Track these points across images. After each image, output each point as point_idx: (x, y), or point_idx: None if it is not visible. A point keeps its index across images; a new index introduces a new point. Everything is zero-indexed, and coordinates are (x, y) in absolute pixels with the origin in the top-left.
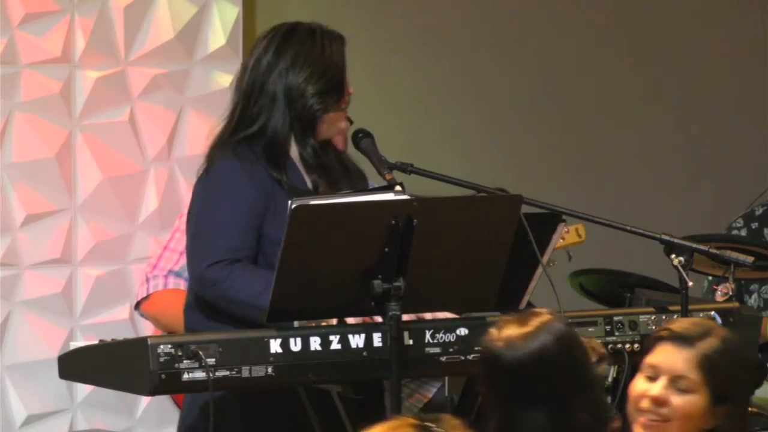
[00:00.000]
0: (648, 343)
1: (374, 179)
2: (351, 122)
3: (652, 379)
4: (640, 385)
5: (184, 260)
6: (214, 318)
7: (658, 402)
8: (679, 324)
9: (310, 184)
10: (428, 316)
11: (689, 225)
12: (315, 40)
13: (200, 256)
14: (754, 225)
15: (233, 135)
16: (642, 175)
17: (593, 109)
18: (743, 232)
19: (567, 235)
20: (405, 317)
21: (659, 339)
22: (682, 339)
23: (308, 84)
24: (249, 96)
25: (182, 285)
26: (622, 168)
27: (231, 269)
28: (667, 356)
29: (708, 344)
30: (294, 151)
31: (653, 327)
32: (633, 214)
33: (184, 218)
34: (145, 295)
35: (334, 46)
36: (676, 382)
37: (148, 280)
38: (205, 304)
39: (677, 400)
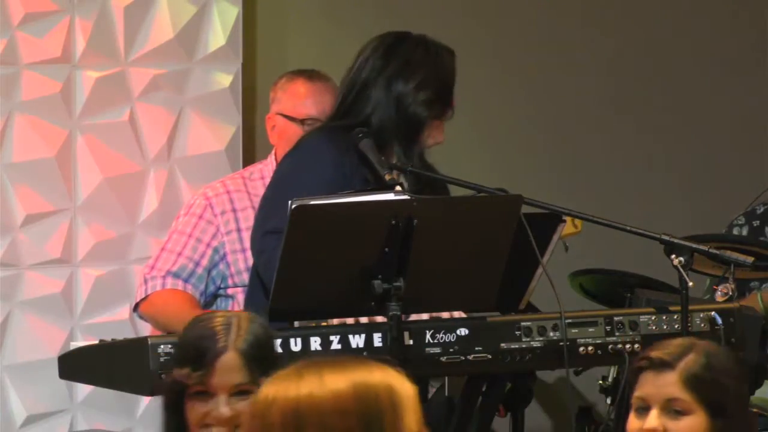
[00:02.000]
0: (631, 377)
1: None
2: None
3: (645, 411)
4: (633, 422)
5: (182, 261)
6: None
7: None
8: (657, 350)
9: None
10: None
11: (689, 225)
12: (428, 48)
13: (260, 222)
14: (756, 223)
15: (332, 122)
16: (642, 175)
17: (593, 108)
18: (744, 230)
19: (564, 226)
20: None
21: (640, 370)
22: (662, 364)
23: (418, 91)
24: (350, 92)
25: (180, 285)
26: (622, 168)
27: (279, 244)
28: (652, 385)
29: (690, 362)
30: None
31: (653, 327)
32: (633, 214)
33: (182, 219)
34: (143, 296)
35: (446, 56)
36: (668, 408)
37: (146, 281)
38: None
39: (675, 425)
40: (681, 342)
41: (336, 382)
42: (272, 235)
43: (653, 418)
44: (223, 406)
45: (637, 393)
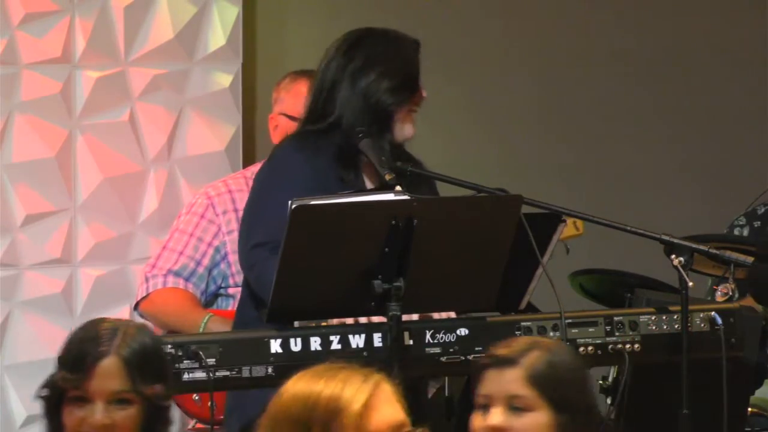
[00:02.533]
0: (474, 375)
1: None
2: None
3: (489, 409)
4: (477, 420)
5: (183, 260)
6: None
7: (499, 431)
8: (501, 347)
9: (370, 186)
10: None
11: (689, 225)
12: (388, 40)
13: (245, 238)
14: (757, 224)
15: (302, 128)
16: (642, 175)
17: (593, 109)
18: (745, 231)
19: (564, 227)
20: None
21: (483, 367)
22: (505, 361)
23: (381, 80)
24: (320, 94)
25: (181, 284)
26: (623, 168)
27: (269, 255)
28: (494, 382)
29: (532, 358)
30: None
31: (653, 327)
32: (633, 214)
33: (183, 218)
34: (144, 294)
35: (407, 46)
36: (511, 405)
37: (147, 279)
38: (257, 300)
39: (518, 422)
40: (525, 340)
41: (293, 387)
42: (260, 248)
43: (496, 414)
44: (99, 413)
45: (481, 390)
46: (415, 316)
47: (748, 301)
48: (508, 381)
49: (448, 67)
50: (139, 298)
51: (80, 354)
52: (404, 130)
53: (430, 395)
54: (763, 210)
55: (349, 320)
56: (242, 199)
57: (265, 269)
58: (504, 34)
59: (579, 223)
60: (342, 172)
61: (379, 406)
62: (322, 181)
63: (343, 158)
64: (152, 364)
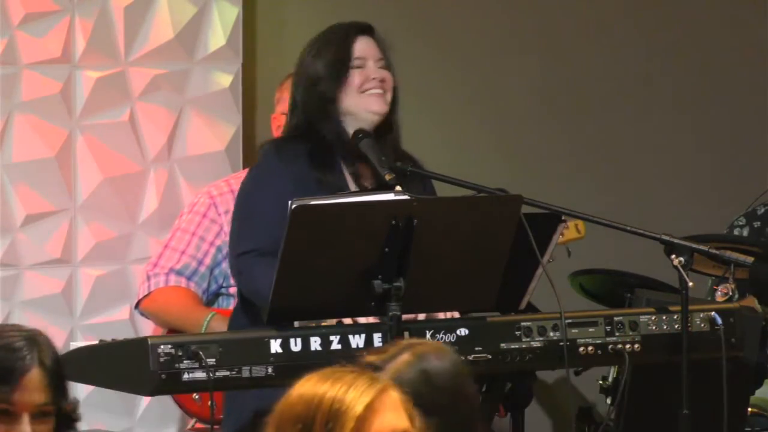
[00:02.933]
0: None
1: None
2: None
3: None
4: None
5: (185, 259)
6: (259, 323)
7: None
8: (373, 352)
9: (353, 183)
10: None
11: (689, 225)
12: (326, 33)
13: (233, 246)
14: (757, 224)
15: (283, 134)
16: (642, 175)
17: (593, 109)
18: (745, 231)
19: (566, 230)
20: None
21: None
22: (371, 367)
23: (317, 73)
24: (291, 99)
25: (183, 283)
26: (623, 168)
27: (257, 261)
28: None
29: (399, 364)
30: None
31: (653, 327)
32: (633, 214)
33: (186, 217)
34: (146, 293)
35: (341, 33)
36: None
37: (149, 278)
38: (251, 310)
39: None
40: (401, 344)
41: (300, 388)
42: (246, 256)
43: None
44: (26, 426)
45: None
46: (421, 316)
47: (749, 301)
48: None
49: (448, 66)
50: (140, 297)
51: (4, 366)
52: (365, 110)
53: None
54: (762, 210)
55: (347, 320)
56: None
57: (252, 275)
58: (509, 29)
59: (581, 226)
60: (318, 173)
61: (382, 411)
62: (302, 185)
63: (316, 160)
64: (64, 375)
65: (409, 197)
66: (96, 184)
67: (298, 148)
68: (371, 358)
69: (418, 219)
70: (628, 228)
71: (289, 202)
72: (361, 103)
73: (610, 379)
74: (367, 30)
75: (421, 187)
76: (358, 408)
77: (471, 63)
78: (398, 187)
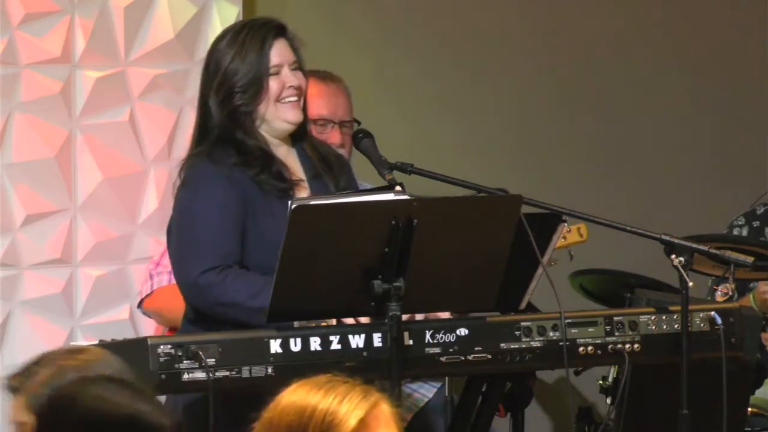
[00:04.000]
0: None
1: (375, 180)
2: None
3: None
4: None
5: None
6: (213, 330)
7: None
8: (16, 371)
9: (288, 177)
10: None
11: (689, 225)
12: (235, 39)
13: (190, 264)
14: (756, 224)
15: (201, 142)
16: (642, 176)
17: (593, 109)
18: (744, 231)
19: (569, 234)
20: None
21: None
22: (11, 388)
23: (233, 87)
24: (199, 111)
25: None
26: (623, 168)
27: (225, 274)
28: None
29: (37, 381)
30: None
31: (653, 327)
32: (633, 214)
33: None
34: (148, 291)
35: (252, 39)
36: None
37: (151, 276)
38: (203, 319)
39: None
40: (48, 357)
41: (290, 396)
42: (210, 272)
43: None
44: None
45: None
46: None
47: (745, 300)
48: (15, 408)
49: (448, 66)
50: (143, 296)
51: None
52: (281, 119)
53: (431, 396)
54: (762, 210)
55: (349, 320)
56: None
57: (225, 288)
58: (512, 30)
59: (583, 229)
60: (255, 176)
61: (375, 426)
62: (241, 189)
63: (248, 160)
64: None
65: (409, 197)
66: (96, 184)
67: (227, 151)
68: (12, 378)
69: (418, 219)
70: (628, 228)
71: (289, 202)
72: (278, 113)
73: (610, 379)
74: (281, 32)
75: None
76: (352, 422)
77: (471, 62)
78: (398, 187)
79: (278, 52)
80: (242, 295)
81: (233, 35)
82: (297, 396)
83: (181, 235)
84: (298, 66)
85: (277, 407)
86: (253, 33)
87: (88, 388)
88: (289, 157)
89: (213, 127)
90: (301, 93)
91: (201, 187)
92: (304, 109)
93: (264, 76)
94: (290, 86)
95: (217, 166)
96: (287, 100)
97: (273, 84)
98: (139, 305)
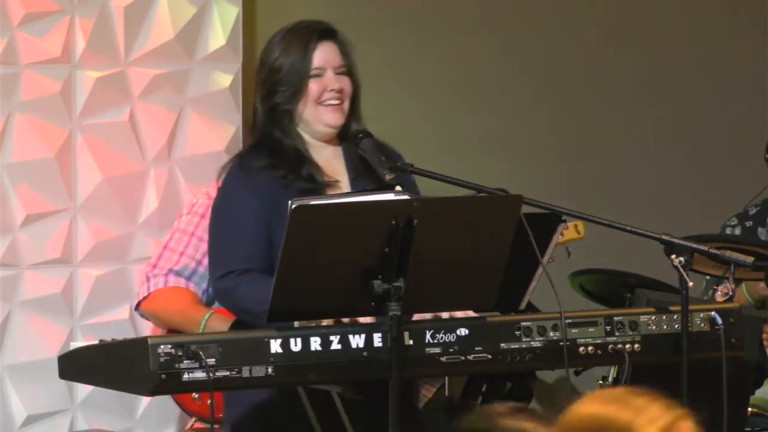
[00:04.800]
0: None
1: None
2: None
3: None
4: None
5: (184, 260)
6: None
7: None
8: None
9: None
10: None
11: (689, 225)
12: (282, 41)
13: (213, 267)
14: (749, 224)
15: (245, 147)
16: (642, 175)
17: (593, 109)
18: (737, 231)
19: (566, 231)
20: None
21: None
22: None
23: (273, 86)
24: (253, 110)
25: (182, 284)
26: (623, 168)
27: (240, 279)
28: None
29: None
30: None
31: (653, 327)
32: (633, 214)
33: (184, 218)
34: (145, 294)
35: (298, 41)
36: None
37: (148, 279)
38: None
39: None
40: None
41: (584, 408)
42: (227, 277)
43: None
44: None
45: None
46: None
47: (738, 292)
48: None
49: (448, 66)
50: (140, 298)
51: None
52: (320, 122)
53: (430, 395)
54: (754, 211)
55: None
56: None
57: (239, 295)
58: (508, 28)
59: (580, 226)
60: (283, 180)
61: None
62: (271, 195)
63: (277, 165)
64: None
65: (409, 197)
66: (96, 184)
67: (261, 158)
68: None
69: (418, 219)
70: (628, 228)
71: (289, 202)
72: (317, 115)
73: (610, 379)
74: (328, 34)
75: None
76: None
77: (472, 63)
78: (398, 187)
79: (322, 55)
80: (250, 302)
81: (283, 34)
82: (590, 409)
83: (209, 241)
84: (346, 71)
85: (569, 419)
86: (299, 33)
87: None
88: (333, 157)
89: (256, 124)
90: (343, 97)
91: (227, 195)
92: (349, 112)
93: (305, 76)
94: (331, 89)
95: (246, 173)
96: (327, 102)
97: (313, 86)
98: (137, 308)
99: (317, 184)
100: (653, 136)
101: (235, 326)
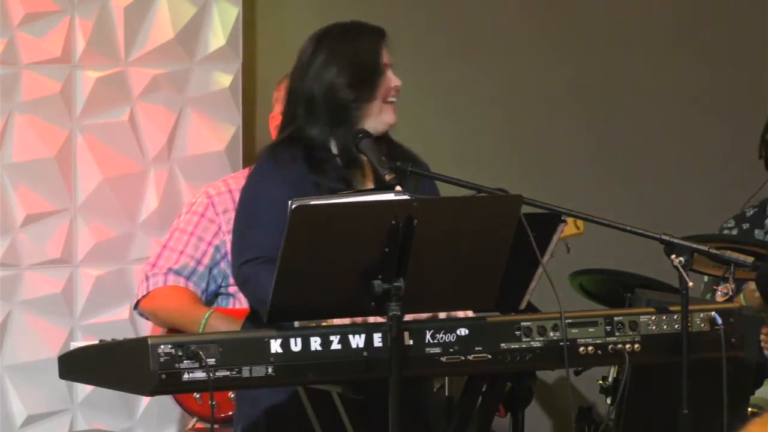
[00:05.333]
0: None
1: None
2: None
3: None
4: None
5: (183, 259)
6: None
7: None
8: None
9: (349, 187)
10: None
11: (689, 225)
12: (348, 35)
13: (235, 253)
14: (745, 226)
15: (278, 137)
16: (642, 175)
17: (593, 109)
18: (734, 233)
19: (565, 227)
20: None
21: None
22: None
23: (339, 77)
24: (290, 99)
25: (182, 283)
26: (623, 168)
27: (261, 267)
28: None
29: None
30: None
31: (653, 327)
32: (633, 214)
33: (184, 217)
34: (145, 293)
35: (367, 38)
36: None
37: (147, 278)
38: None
39: None
40: None
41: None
42: (248, 264)
43: None
44: None
45: None
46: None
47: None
48: None
49: (448, 66)
50: (139, 297)
51: None
52: (381, 121)
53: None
54: (751, 212)
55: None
56: None
57: (258, 283)
58: (513, 24)
59: (579, 222)
60: (316, 177)
61: None
62: (299, 189)
63: (313, 162)
64: None
65: (409, 197)
66: (96, 184)
67: (294, 151)
68: None
69: (418, 219)
70: (628, 228)
71: (289, 202)
72: (382, 113)
73: (610, 379)
74: (384, 35)
75: (422, 184)
76: None
77: (471, 63)
78: (398, 187)
79: (386, 53)
80: (267, 292)
81: (340, 30)
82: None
83: (234, 226)
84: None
85: None
86: (363, 30)
87: None
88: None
89: (295, 116)
90: (397, 95)
91: (257, 183)
92: None
93: (378, 73)
94: (395, 86)
95: (277, 163)
96: (390, 99)
97: (382, 83)
98: (136, 306)
99: (346, 182)
100: (653, 136)
101: (249, 319)
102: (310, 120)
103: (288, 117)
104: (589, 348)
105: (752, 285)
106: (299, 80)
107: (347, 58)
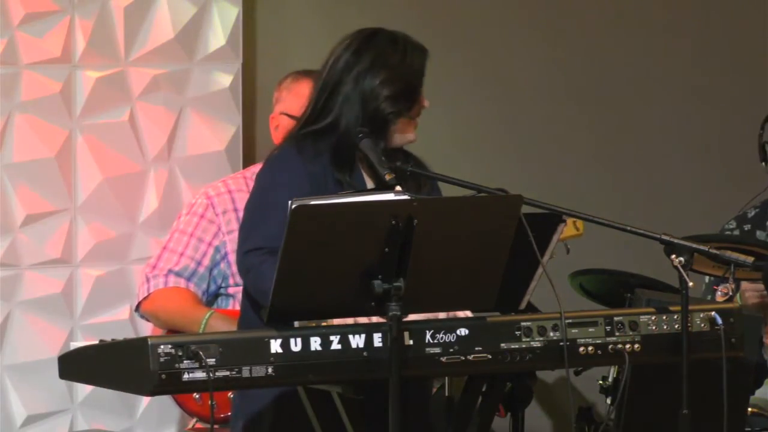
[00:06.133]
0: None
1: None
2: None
3: None
4: None
5: (184, 260)
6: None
7: None
8: None
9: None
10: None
11: (689, 225)
12: (397, 45)
13: (242, 242)
14: (747, 227)
15: (302, 128)
16: (642, 175)
17: (593, 109)
18: (735, 234)
19: (564, 228)
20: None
21: None
22: None
23: (383, 87)
24: (323, 92)
25: (182, 284)
26: (623, 168)
27: (266, 258)
28: None
29: None
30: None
31: (653, 327)
32: (633, 214)
33: (184, 218)
34: (145, 294)
35: (415, 54)
36: None
37: (148, 279)
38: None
39: None
40: None
41: None
42: (254, 253)
43: None
44: None
45: None
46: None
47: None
48: None
49: (448, 66)
50: (140, 299)
51: None
52: (404, 138)
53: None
54: (753, 213)
55: (349, 320)
56: (242, 199)
57: (261, 273)
58: (513, 24)
59: (579, 223)
60: (339, 174)
61: None
62: (321, 185)
63: (339, 160)
64: None
65: (409, 197)
66: (96, 184)
67: (320, 145)
68: None
69: (418, 219)
70: (628, 228)
71: (289, 202)
72: (407, 130)
73: (610, 379)
74: (428, 54)
75: (424, 185)
76: None
77: (471, 62)
78: (398, 187)
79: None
80: (270, 283)
81: (389, 38)
82: None
83: (245, 213)
84: None
85: None
86: (411, 44)
87: None
88: None
89: (327, 110)
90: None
91: (277, 172)
92: None
93: (418, 93)
94: (424, 106)
95: (302, 156)
96: (416, 118)
97: (419, 101)
98: (137, 308)
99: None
100: (653, 136)
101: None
102: (344, 119)
103: (317, 110)
104: (589, 348)
105: (746, 285)
106: (337, 75)
107: (395, 70)
